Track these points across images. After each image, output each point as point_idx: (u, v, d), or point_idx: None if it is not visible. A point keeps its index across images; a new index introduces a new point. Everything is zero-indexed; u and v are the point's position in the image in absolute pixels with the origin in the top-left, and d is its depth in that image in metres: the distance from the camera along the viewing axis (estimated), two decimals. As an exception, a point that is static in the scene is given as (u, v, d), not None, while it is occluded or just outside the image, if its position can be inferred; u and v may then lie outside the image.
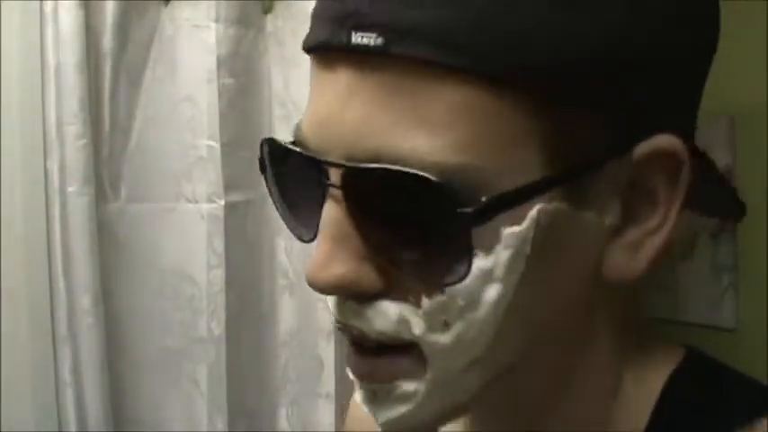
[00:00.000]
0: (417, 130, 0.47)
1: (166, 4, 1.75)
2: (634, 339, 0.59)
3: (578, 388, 0.58)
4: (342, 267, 0.51)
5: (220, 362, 1.71)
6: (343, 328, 0.54)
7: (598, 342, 0.57)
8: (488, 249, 0.49)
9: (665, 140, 0.51)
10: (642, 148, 0.50)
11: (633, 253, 0.53)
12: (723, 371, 0.60)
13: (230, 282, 1.71)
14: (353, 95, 0.49)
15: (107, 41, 1.67)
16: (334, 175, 0.50)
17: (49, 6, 1.59)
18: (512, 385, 0.56)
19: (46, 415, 1.59)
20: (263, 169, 0.58)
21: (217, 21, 1.69)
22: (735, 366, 0.60)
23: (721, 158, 2.14)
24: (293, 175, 0.55)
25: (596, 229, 0.51)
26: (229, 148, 1.70)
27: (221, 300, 1.70)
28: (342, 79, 0.50)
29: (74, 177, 1.60)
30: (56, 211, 1.60)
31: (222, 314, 1.70)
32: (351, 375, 0.56)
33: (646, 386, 0.58)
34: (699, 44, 0.54)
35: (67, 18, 1.58)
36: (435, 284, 0.50)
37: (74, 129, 1.59)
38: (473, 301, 0.50)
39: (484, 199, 0.47)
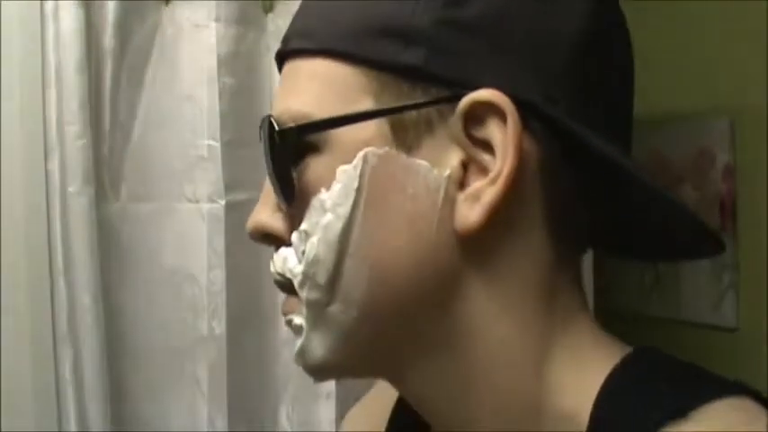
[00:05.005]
0: (291, 96, 0.63)
1: (167, 4, 1.75)
2: (564, 324, 0.61)
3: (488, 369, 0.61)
4: (257, 216, 0.66)
5: (221, 361, 1.70)
6: (274, 273, 0.64)
7: (497, 320, 0.60)
8: (328, 186, 0.59)
9: (484, 93, 0.57)
10: (464, 101, 0.57)
11: (472, 203, 0.58)
12: (674, 363, 0.61)
13: (231, 281, 1.71)
14: (281, 83, 0.66)
15: (108, 41, 1.67)
16: None
17: (49, 6, 1.59)
18: (416, 372, 0.63)
19: (46, 413, 1.59)
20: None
21: (217, 20, 1.69)
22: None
23: (721, 159, 2.15)
24: None
25: (435, 180, 0.58)
26: (230, 147, 1.70)
27: (222, 299, 1.70)
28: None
29: (74, 177, 1.60)
30: (56, 211, 1.60)
31: (223, 313, 1.70)
32: None
33: (587, 373, 0.59)
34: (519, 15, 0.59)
35: (68, 18, 1.59)
36: (295, 219, 0.62)
37: (74, 129, 1.59)
38: (312, 227, 0.60)
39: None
